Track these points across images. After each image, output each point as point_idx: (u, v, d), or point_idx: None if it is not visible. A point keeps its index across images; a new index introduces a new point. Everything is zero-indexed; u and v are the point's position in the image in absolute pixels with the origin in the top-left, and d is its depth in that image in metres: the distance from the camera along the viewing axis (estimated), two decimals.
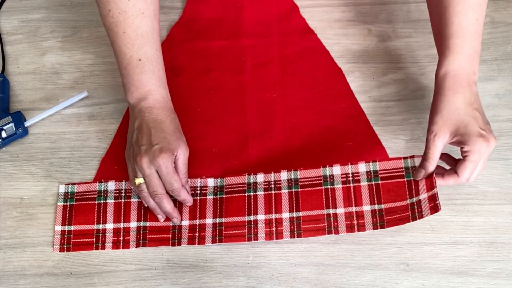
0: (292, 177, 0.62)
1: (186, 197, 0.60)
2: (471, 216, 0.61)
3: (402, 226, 0.60)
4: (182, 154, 0.59)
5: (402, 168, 0.60)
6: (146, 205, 0.61)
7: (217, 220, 0.61)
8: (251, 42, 0.72)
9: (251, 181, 0.63)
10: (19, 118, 0.66)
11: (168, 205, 0.59)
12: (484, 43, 0.71)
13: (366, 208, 0.60)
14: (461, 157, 0.56)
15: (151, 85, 0.59)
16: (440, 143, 0.56)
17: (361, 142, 0.65)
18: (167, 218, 0.61)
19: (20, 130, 0.66)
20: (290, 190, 0.62)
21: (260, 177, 0.63)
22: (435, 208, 0.56)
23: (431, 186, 0.57)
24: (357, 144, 0.65)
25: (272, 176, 0.63)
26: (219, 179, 0.63)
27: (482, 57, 0.70)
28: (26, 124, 0.67)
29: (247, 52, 0.72)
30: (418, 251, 0.60)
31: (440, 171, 0.59)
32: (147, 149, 0.57)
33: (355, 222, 0.59)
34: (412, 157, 0.60)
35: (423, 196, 0.58)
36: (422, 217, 0.57)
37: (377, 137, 0.66)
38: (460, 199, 0.62)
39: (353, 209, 0.60)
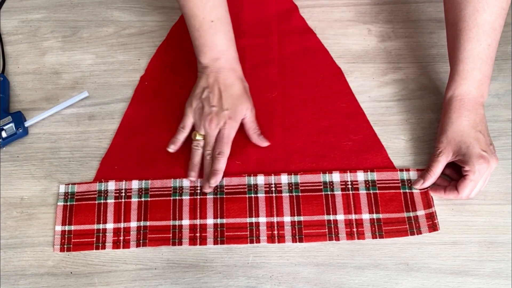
0: (293, 181, 0.63)
1: (222, 166, 0.62)
2: (471, 216, 0.61)
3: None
4: (249, 114, 0.64)
5: (398, 180, 0.62)
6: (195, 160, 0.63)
7: (218, 221, 0.61)
8: (251, 42, 0.72)
9: (252, 182, 0.63)
10: (19, 118, 0.66)
11: (220, 164, 0.62)
12: None
13: (365, 216, 0.61)
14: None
15: (223, 45, 0.62)
16: (443, 160, 0.60)
17: (360, 141, 0.65)
18: (166, 218, 0.61)
19: (20, 130, 0.66)
20: (291, 194, 0.62)
21: (261, 179, 0.63)
22: (433, 227, 0.60)
23: (428, 204, 0.61)
24: (357, 144, 0.65)
25: (272, 179, 0.63)
26: None
27: None
28: (26, 124, 0.67)
29: (247, 52, 0.72)
30: (418, 251, 0.60)
31: (442, 184, 0.62)
32: (218, 111, 0.61)
33: (354, 229, 0.60)
34: (407, 170, 0.63)
35: (421, 212, 0.61)
36: (420, 233, 0.60)
37: (377, 137, 0.66)
38: (460, 199, 0.62)
39: (353, 216, 0.61)
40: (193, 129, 0.64)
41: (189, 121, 0.64)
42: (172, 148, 0.64)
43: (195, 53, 0.64)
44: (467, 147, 0.58)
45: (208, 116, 0.62)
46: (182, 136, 0.64)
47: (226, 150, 0.62)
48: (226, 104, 0.62)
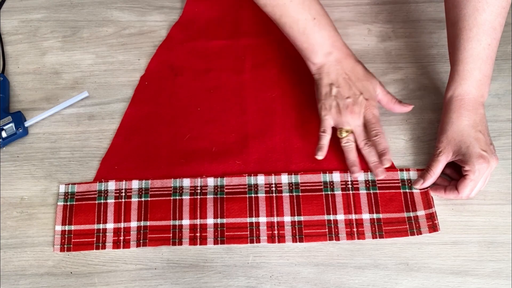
0: (293, 181, 0.63)
1: (386, 145, 0.61)
2: (471, 216, 0.61)
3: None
4: (380, 88, 0.63)
5: (398, 180, 0.62)
6: (350, 158, 0.62)
7: (218, 221, 0.61)
8: (251, 42, 0.72)
9: (252, 182, 0.63)
10: (19, 118, 0.66)
11: (384, 143, 0.61)
12: None
13: (365, 216, 0.61)
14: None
15: (332, 37, 0.61)
16: (443, 160, 0.60)
17: None
18: (166, 218, 0.61)
19: (20, 130, 0.66)
20: (291, 194, 0.62)
21: (261, 179, 0.63)
22: (433, 228, 0.60)
23: (428, 204, 0.61)
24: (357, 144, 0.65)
25: (272, 179, 0.63)
26: (219, 178, 0.63)
27: None
28: (26, 124, 0.67)
29: (247, 51, 0.72)
30: (418, 251, 0.60)
31: (442, 184, 0.62)
32: (354, 101, 0.60)
33: (355, 229, 0.60)
34: (408, 170, 0.63)
35: (421, 213, 0.61)
36: (421, 233, 0.60)
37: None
38: (460, 199, 0.62)
39: (353, 216, 0.61)
40: (335, 129, 0.63)
41: (328, 123, 0.62)
42: (320, 155, 0.62)
43: (303, 57, 0.63)
44: (467, 147, 0.58)
45: (347, 109, 0.60)
46: (326, 140, 0.62)
47: (380, 128, 0.61)
48: (358, 89, 0.61)
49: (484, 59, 0.58)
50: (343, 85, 0.61)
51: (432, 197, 0.61)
